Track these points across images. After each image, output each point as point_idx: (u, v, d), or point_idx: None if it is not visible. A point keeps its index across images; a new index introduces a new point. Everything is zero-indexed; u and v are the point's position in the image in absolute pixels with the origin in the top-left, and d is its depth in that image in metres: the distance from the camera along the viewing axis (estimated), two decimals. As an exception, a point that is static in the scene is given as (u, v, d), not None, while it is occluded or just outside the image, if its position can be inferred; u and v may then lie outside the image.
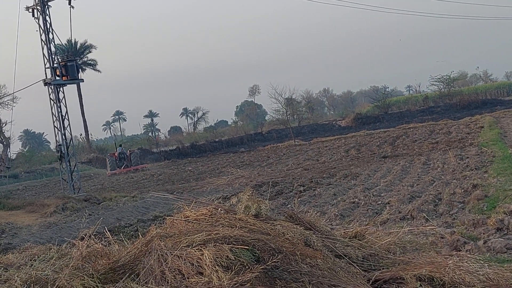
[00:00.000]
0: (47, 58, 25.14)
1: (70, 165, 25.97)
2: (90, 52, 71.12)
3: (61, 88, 25.52)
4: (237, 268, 4.99)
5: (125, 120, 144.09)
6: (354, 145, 35.58)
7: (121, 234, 10.66)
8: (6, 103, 59.69)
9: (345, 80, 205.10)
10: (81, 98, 65.98)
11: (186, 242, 5.48)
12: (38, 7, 25.06)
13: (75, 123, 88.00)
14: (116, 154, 48.98)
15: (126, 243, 6.78)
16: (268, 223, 6.34)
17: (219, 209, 6.70)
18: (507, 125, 33.83)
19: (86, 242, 6.28)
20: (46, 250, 7.74)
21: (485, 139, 26.81)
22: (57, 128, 25.52)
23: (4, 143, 66.48)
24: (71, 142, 26.70)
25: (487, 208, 11.31)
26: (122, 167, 46.53)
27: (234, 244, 5.36)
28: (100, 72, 73.16)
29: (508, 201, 11.25)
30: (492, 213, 10.44)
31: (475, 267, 5.78)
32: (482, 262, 6.03)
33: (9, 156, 62.47)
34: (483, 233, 9.23)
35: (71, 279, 5.39)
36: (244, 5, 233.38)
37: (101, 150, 63.60)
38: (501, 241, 8.37)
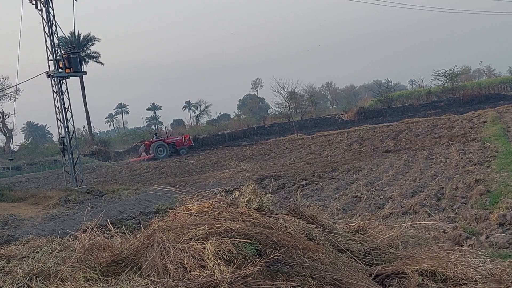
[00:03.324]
0: (50, 50, 25.12)
1: (72, 157, 26.00)
2: (93, 44, 71.16)
3: (64, 81, 25.52)
4: (239, 261, 5.00)
5: (128, 113, 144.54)
6: (357, 139, 35.52)
7: (123, 227, 10.70)
8: (9, 95, 59.99)
9: (348, 74, 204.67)
10: (84, 91, 65.99)
11: (188, 235, 5.49)
12: (41, -1, 25.05)
13: (78, 116, 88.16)
14: (147, 142, 49.78)
15: (128, 235, 6.80)
16: (270, 216, 6.34)
17: (222, 202, 6.71)
18: (510, 120, 33.73)
19: (88, 234, 6.29)
20: (49, 242, 7.76)
21: (488, 134, 26.75)
22: (60, 120, 25.53)
23: (7, 135, 66.65)
24: (73, 135, 26.70)
25: (490, 203, 11.28)
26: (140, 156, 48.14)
27: (236, 238, 5.36)
28: (103, 64, 73.23)
29: (510, 196, 11.21)
30: (494, 208, 10.42)
31: (477, 262, 5.78)
32: (484, 257, 6.03)
33: (12, 148, 62.67)
34: (486, 228, 9.22)
35: (73, 271, 5.40)
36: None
37: (104, 142, 63.67)
38: (503, 236, 8.36)
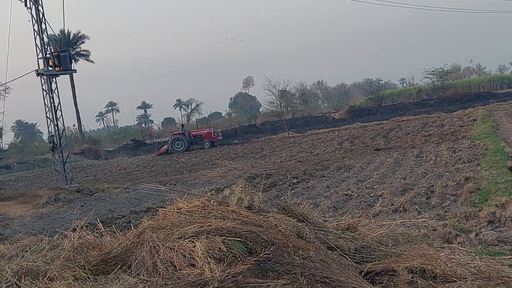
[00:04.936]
0: (40, 48, 24.96)
1: (62, 156, 25.86)
2: (83, 42, 70.92)
3: (54, 79, 25.36)
4: (229, 260, 4.99)
5: (118, 111, 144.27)
6: (348, 138, 35.59)
7: (113, 226, 10.65)
8: (-1, 93, 59.40)
9: (339, 72, 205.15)
10: (74, 89, 65.76)
11: (179, 234, 5.48)
12: (30, -3, 24.86)
13: (68, 114, 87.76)
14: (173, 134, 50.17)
15: (118, 234, 6.77)
16: (261, 215, 6.33)
17: (212, 201, 6.69)
18: (499, 118, 33.95)
19: (78, 233, 6.26)
20: (38, 241, 7.72)
21: (477, 132, 26.88)
22: (49, 119, 25.38)
23: (-3, 133, 66.23)
24: (63, 133, 26.57)
25: (479, 200, 11.34)
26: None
27: (227, 236, 5.35)
28: (93, 62, 73.06)
29: (500, 194, 11.29)
30: (484, 206, 10.48)
31: (466, 260, 5.80)
32: (474, 254, 6.06)
33: (1, 147, 62.29)
34: (475, 226, 9.26)
35: (62, 270, 5.37)
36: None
37: (94, 141, 63.45)
38: (492, 233, 8.41)
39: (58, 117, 25.35)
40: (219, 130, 51.83)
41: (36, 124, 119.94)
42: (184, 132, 48.37)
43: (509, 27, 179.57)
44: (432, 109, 52.65)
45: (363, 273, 5.85)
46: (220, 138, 49.57)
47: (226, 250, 5.11)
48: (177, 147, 47.07)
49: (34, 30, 25.01)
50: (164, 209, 6.72)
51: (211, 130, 49.88)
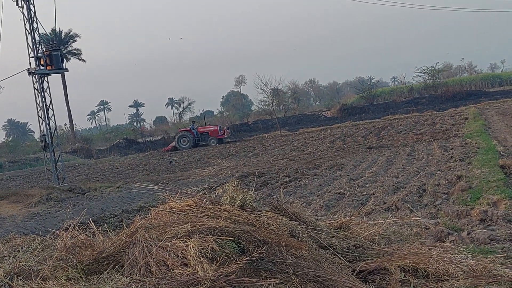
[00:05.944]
0: (31, 47, 24.85)
1: (54, 155, 25.75)
2: (74, 41, 70.77)
3: (46, 78, 25.25)
4: (222, 259, 4.99)
5: (110, 110, 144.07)
6: (340, 136, 35.65)
7: (105, 225, 10.64)
8: (-10, 92, 59.15)
9: (331, 71, 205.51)
10: (66, 88, 65.57)
11: (171, 233, 5.47)
12: (21, -5, 24.73)
13: (59, 113, 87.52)
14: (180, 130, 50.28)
15: (110, 234, 6.75)
16: (254, 214, 6.33)
17: (204, 200, 6.69)
18: (491, 117, 34.09)
19: (70, 233, 6.24)
20: (30, 241, 7.70)
21: (469, 130, 26.97)
22: (41, 118, 25.27)
23: (-12, 132, 65.86)
24: (55, 132, 26.45)
25: (471, 199, 11.36)
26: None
27: (219, 236, 5.35)
28: (85, 61, 72.94)
29: (491, 192, 11.32)
30: (476, 204, 10.50)
31: (458, 258, 5.82)
32: (466, 253, 6.08)
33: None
34: (467, 224, 9.29)
35: (55, 270, 5.36)
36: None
37: (86, 140, 63.26)
38: (484, 232, 8.43)
39: (49, 116, 25.24)
40: (225, 127, 51.54)
41: (27, 123, 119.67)
42: (191, 129, 48.12)
43: (500, 26, 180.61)
44: (424, 107, 52.88)
45: (355, 272, 5.86)
46: (226, 136, 49.01)
47: (218, 250, 5.11)
48: (183, 144, 46.87)
49: (26, 29, 24.89)
50: (157, 209, 6.70)
51: (217, 127, 49.49)
